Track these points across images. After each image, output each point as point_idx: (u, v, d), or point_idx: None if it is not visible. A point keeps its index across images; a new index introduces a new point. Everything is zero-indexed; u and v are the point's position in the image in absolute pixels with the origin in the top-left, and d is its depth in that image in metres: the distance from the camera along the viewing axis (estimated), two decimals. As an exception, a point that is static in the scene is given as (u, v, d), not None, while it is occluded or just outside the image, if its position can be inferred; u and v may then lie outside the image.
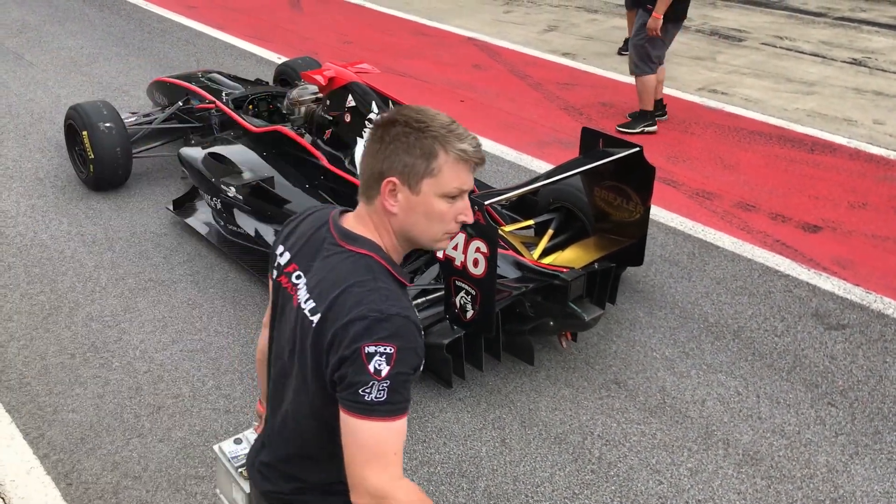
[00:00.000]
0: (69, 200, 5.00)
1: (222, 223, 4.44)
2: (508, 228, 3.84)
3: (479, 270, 3.18)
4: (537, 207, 4.14)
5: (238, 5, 9.31)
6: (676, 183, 5.35)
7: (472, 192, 1.83)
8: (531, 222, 4.02)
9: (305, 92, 4.69)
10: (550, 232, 3.92)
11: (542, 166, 5.56)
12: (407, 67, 7.38)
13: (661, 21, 5.63)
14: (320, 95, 4.58)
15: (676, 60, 7.68)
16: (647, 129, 6.06)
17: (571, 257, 3.72)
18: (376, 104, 4.20)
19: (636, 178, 3.67)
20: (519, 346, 3.64)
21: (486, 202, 3.20)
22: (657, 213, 4.97)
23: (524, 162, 5.63)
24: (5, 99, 6.48)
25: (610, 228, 3.86)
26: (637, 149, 3.62)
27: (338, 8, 9.41)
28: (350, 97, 4.29)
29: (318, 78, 4.47)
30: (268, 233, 4.18)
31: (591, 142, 3.76)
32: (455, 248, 3.25)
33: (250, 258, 4.23)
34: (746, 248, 4.62)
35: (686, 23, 8.55)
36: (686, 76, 7.30)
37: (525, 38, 8.32)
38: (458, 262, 3.27)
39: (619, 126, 6.10)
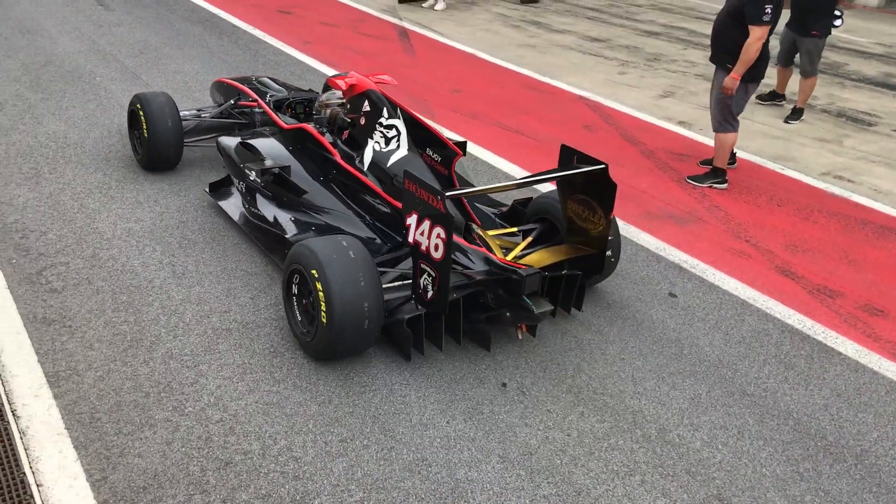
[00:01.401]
0: (165, 228, 4.96)
1: (247, 206, 4.93)
2: (493, 233, 4.31)
3: (438, 254, 3.55)
4: (524, 218, 4.60)
5: (354, 45, 9.36)
6: (795, 275, 4.95)
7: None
8: (515, 229, 4.49)
9: (333, 96, 5.24)
10: (529, 239, 4.34)
11: (650, 241, 5.26)
12: (515, 122, 7.20)
13: (738, 81, 5.71)
14: (344, 100, 5.07)
15: (800, 141, 7.27)
16: (715, 184, 6.12)
17: (536, 259, 4.08)
18: (387, 111, 4.70)
19: (601, 193, 3.96)
20: (479, 333, 4.03)
21: (447, 194, 3.54)
22: (773, 306, 4.60)
23: (631, 234, 5.33)
24: (118, 118, 6.58)
25: (579, 239, 4.17)
26: (602, 166, 3.93)
27: (451, 56, 9.36)
28: (366, 103, 4.80)
29: (341, 83, 4.99)
30: (283, 219, 4.67)
31: (568, 158, 4.09)
32: (422, 233, 3.63)
33: (265, 239, 4.68)
34: (873, 359, 4.19)
35: (812, 101, 8.17)
36: (809, 158, 6.88)
37: (639, 102, 8.04)
38: (423, 247, 3.65)
39: (690, 177, 6.18)
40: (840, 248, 5.35)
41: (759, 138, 7.25)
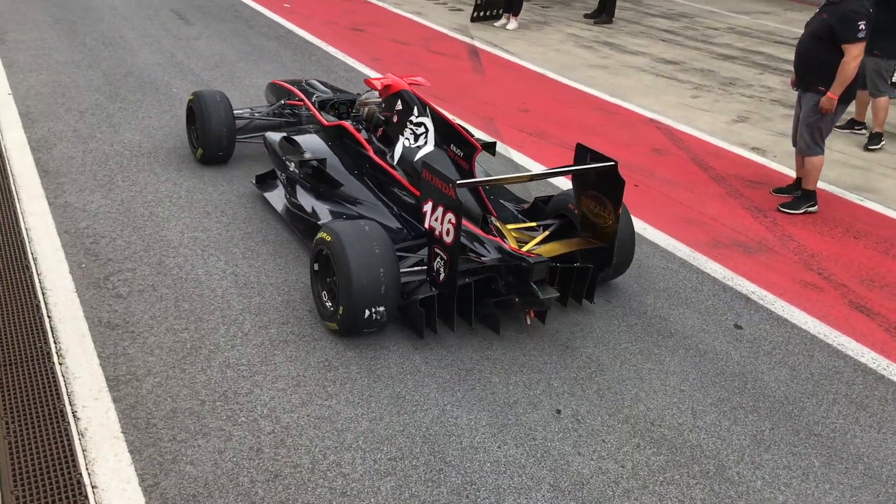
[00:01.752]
0: (230, 238, 5.04)
1: (288, 197, 5.23)
2: (512, 227, 4.52)
3: (449, 238, 3.80)
4: (544, 214, 4.82)
5: (423, 62, 9.43)
6: (870, 312, 4.74)
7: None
8: (534, 224, 4.71)
9: (371, 96, 5.58)
10: (546, 233, 4.55)
11: (717, 269, 5.11)
12: (583, 143, 7.10)
13: (836, 101, 5.63)
14: (380, 99, 5.38)
15: (880, 171, 7.00)
16: (809, 209, 6.01)
17: (547, 249, 4.26)
18: (417, 109, 4.98)
19: (612, 190, 4.14)
20: (490, 318, 4.25)
21: (458, 182, 3.81)
22: (845, 343, 4.41)
23: (698, 262, 5.18)
24: (192, 129, 6.74)
25: (591, 233, 4.37)
26: (612, 163, 4.12)
27: (520, 75, 9.33)
28: (399, 102, 5.11)
29: (377, 84, 5.30)
30: (320, 208, 4.95)
31: (582, 156, 4.29)
32: (436, 219, 3.88)
33: (303, 227, 4.95)
34: (953, 404, 3.97)
35: (888, 126, 7.86)
36: (891, 190, 6.61)
37: (712, 127, 7.87)
38: (437, 232, 3.89)
39: (782, 206, 6.05)
40: (920, 284, 5.10)
41: (838, 167, 7.01)
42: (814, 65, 5.76)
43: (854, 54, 5.55)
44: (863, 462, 3.55)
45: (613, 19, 12.51)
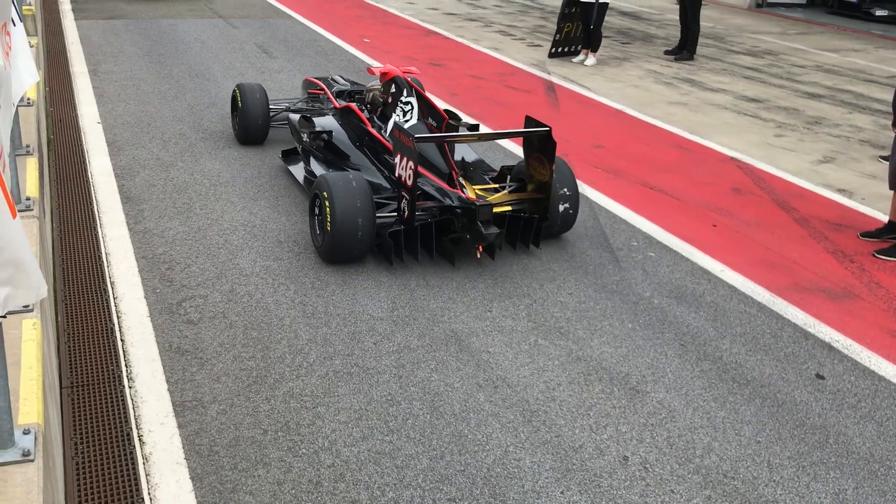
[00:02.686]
0: (301, 268, 5.09)
1: (304, 166, 6.21)
2: (478, 187, 5.48)
3: (409, 182, 4.89)
4: (508, 178, 5.70)
5: (498, 98, 9.44)
6: (967, 366, 4.45)
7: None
8: (497, 185, 5.64)
9: (376, 85, 6.54)
10: (506, 192, 5.46)
11: (797, 315, 4.89)
12: (660, 181, 6.97)
13: None
14: (380, 84, 6.45)
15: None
16: None
17: (495, 199, 5.27)
18: (406, 91, 6.00)
19: (548, 151, 5.14)
20: (447, 251, 5.26)
21: (416, 136, 4.92)
22: (938, 399, 4.14)
23: (777, 307, 4.97)
24: (270, 160, 6.88)
25: (535, 187, 5.34)
26: (547, 129, 5.19)
27: (595, 111, 9.24)
28: (393, 86, 6.17)
29: (377, 71, 6.49)
30: None
31: (531, 125, 5.33)
32: (402, 168, 5.01)
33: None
34: None
35: None
36: None
37: (796, 167, 7.61)
38: (402, 178, 5.02)
39: (878, 252, 5.78)
40: None
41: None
42: None
43: None
44: (956, 529, 3.30)
45: (695, 56, 12.31)
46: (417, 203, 5.05)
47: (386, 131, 5.95)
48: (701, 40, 12.75)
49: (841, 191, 7.07)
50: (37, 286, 2.07)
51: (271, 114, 7.11)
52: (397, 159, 5.14)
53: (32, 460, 2.30)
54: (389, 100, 6.18)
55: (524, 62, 11.43)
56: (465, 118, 7.38)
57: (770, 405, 4.03)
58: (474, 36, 13.10)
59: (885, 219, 6.15)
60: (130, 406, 3.70)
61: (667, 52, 12.56)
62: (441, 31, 13.33)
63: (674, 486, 3.43)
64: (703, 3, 12.22)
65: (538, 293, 4.98)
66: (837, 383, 4.26)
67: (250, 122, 6.97)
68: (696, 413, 3.93)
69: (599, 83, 10.50)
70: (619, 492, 3.37)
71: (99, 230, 5.40)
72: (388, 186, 5.64)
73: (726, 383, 4.18)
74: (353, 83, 7.52)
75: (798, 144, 8.38)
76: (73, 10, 12.86)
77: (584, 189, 6.67)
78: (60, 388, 3.77)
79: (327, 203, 4.93)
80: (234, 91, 7.09)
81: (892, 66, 7.96)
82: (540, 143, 5.20)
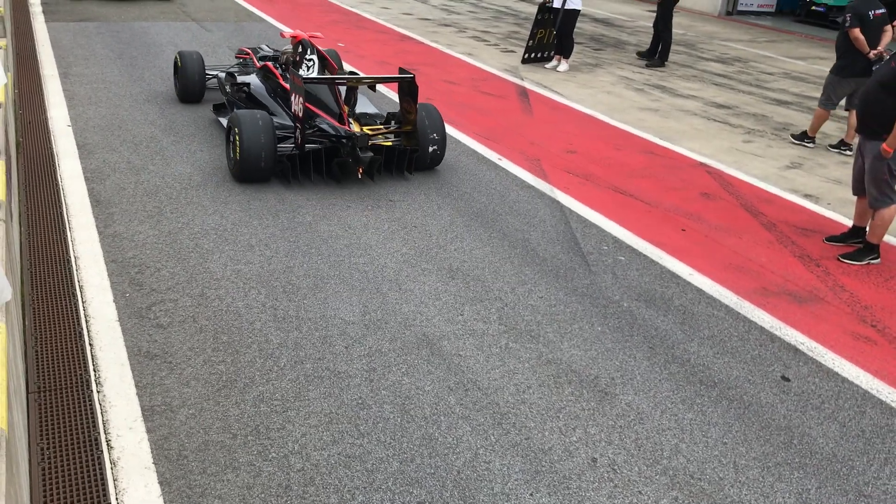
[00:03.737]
0: (272, 272, 5.08)
1: (229, 115, 7.02)
2: (368, 128, 6.91)
3: (301, 114, 6.34)
4: (393, 120, 7.16)
5: (471, 103, 9.48)
6: (927, 367, 4.54)
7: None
8: (383, 127, 7.09)
9: (289, 48, 7.81)
10: (388, 129, 7.01)
11: (764, 318, 4.97)
12: (630, 186, 7.04)
13: (892, 152, 5.57)
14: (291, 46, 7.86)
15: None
16: (872, 261, 5.88)
17: (372, 130, 6.87)
18: (310, 50, 7.46)
19: (413, 94, 6.66)
20: (333, 173, 6.67)
21: (303, 77, 6.59)
22: (900, 400, 4.21)
23: (745, 310, 5.05)
24: (241, 163, 6.85)
25: (406, 123, 6.88)
26: (411, 75, 6.66)
27: (568, 116, 9.31)
28: (300, 47, 7.62)
29: (288, 37, 7.93)
30: None
31: (403, 72, 6.84)
32: (296, 104, 6.43)
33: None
34: None
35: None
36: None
37: (764, 172, 7.73)
38: (295, 111, 6.47)
39: (843, 256, 5.92)
40: (981, 340, 4.88)
41: None
42: (878, 113, 5.63)
43: None
44: (916, 527, 3.37)
45: (666, 63, 12.44)
46: (312, 135, 6.58)
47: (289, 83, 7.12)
48: (672, 47, 12.89)
49: (807, 196, 7.18)
50: (1, 289, 2.06)
51: (207, 77, 8.49)
52: (293, 98, 6.59)
53: (-5, 465, 2.27)
54: (297, 58, 7.59)
55: (497, 68, 11.49)
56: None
57: (737, 407, 4.09)
58: (448, 41, 13.14)
59: (849, 223, 6.26)
60: (98, 411, 3.68)
61: (639, 54, 12.70)
62: (415, 37, 13.36)
63: (641, 488, 3.47)
64: (674, 11, 12.35)
65: (509, 297, 5.01)
66: (802, 385, 4.33)
67: (188, 81, 8.29)
68: (664, 415, 3.98)
69: (572, 89, 10.58)
70: (587, 493, 3.41)
71: (68, 234, 5.35)
72: (290, 124, 6.91)
73: (694, 385, 4.24)
74: (275, 50, 8.67)
75: (766, 150, 8.50)
76: (44, 11, 12.72)
77: (556, 194, 6.73)
78: (27, 392, 3.73)
79: (237, 135, 6.27)
80: (175, 57, 8.51)
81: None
82: (408, 88, 6.67)
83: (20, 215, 5.46)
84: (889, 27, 8.18)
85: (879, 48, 8.05)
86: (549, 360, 4.37)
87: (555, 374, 4.24)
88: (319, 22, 13.59)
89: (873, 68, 7.84)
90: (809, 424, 4.00)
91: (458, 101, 9.47)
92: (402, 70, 6.86)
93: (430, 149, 6.91)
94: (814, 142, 8.74)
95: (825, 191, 7.34)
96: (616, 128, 8.95)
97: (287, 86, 7.14)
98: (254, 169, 6.31)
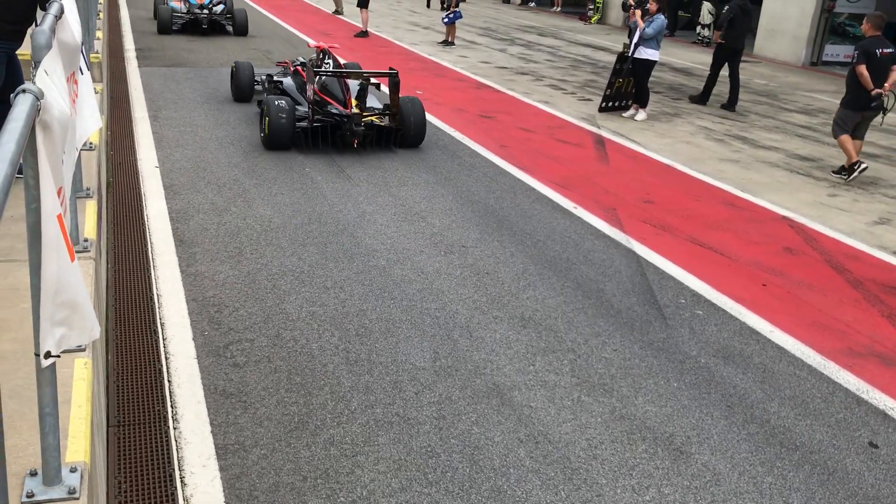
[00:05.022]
0: (346, 315, 5.13)
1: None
2: (366, 113, 8.85)
3: (310, 98, 8.63)
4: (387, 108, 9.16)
5: (547, 150, 9.49)
6: None
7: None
8: (378, 112, 9.07)
9: (314, 54, 10.03)
10: (377, 113, 9.02)
11: (850, 380, 4.76)
12: (710, 239, 6.91)
13: None
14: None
15: None
16: None
17: (366, 113, 8.84)
18: (328, 57, 9.61)
19: (396, 87, 8.87)
20: (337, 144, 8.80)
21: (314, 70, 8.86)
22: None
23: (829, 371, 4.85)
24: (319, 207, 7.00)
25: (393, 108, 9.00)
26: (394, 72, 8.92)
27: (645, 166, 9.23)
28: (322, 54, 9.70)
29: (313, 46, 10.47)
30: None
31: (392, 70, 9.01)
32: (310, 90, 8.67)
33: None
34: None
35: None
36: None
37: (850, 228, 7.48)
38: (309, 96, 8.74)
39: None
40: None
41: None
42: None
43: None
44: None
45: (736, 109, 12.29)
46: (321, 116, 8.68)
47: (314, 82, 8.79)
48: (754, 98, 12.72)
49: (897, 253, 6.92)
50: (90, 328, 2.13)
51: (255, 79, 10.73)
52: (308, 86, 8.86)
53: (77, 498, 2.33)
54: (318, 62, 9.57)
55: (574, 115, 11.50)
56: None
57: (820, 472, 3.91)
58: (525, 89, 13.24)
59: (943, 283, 6.00)
60: (174, 447, 3.75)
61: (691, 99, 12.94)
62: (492, 84, 13.51)
63: (718, 554, 3.33)
64: (756, 60, 12.22)
65: (582, 348, 4.94)
66: (892, 453, 4.12)
67: (241, 83, 10.57)
68: (741, 477, 3.83)
69: (649, 138, 10.50)
70: (660, 557, 3.29)
71: (152, 272, 5.53)
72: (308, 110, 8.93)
73: (774, 447, 4.08)
74: (308, 59, 10.56)
75: (853, 205, 8.24)
76: (138, 57, 13.36)
77: (632, 244, 6.64)
78: (107, 426, 3.83)
79: (266, 114, 8.49)
80: (232, 66, 11.03)
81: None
82: (393, 83, 8.82)
83: (107, 252, 5.68)
84: None
85: (887, 85, 8.67)
86: (623, 415, 4.27)
87: (628, 430, 4.14)
88: (400, 69, 13.87)
89: (872, 105, 8.79)
90: (900, 495, 3.79)
91: (534, 148, 9.50)
92: (390, 68, 9.08)
93: (413, 133, 8.99)
94: (859, 165, 8.92)
95: (916, 248, 7.06)
96: (695, 178, 8.82)
97: (307, 81, 9.18)
98: (278, 139, 8.45)
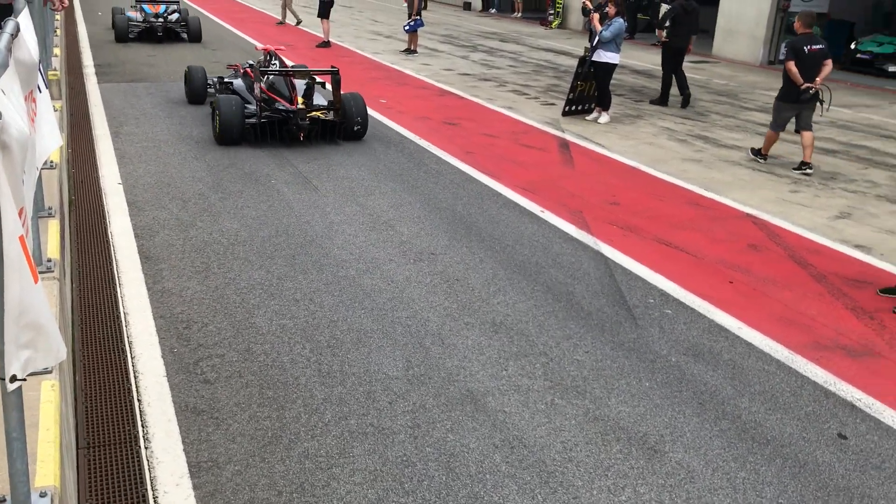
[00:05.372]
0: (316, 326, 5.10)
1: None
2: (313, 109, 9.48)
3: (258, 96, 9.46)
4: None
5: (512, 156, 9.53)
6: None
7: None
8: (324, 108, 9.64)
9: (262, 56, 11.15)
10: (322, 108, 9.62)
11: (817, 373, 4.84)
12: (675, 238, 6.98)
13: None
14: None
15: None
16: None
17: (311, 109, 9.43)
18: (274, 57, 10.67)
19: (338, 83, 9.49)
20: (284, 138, 9.45)
21: (261, 70, 9.85)
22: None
23: (797, 365, 4.93)
24: (286, 218, 6.96)
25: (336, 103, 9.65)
26: (335, 69, 9.49)
27: (609, 168, 9.31)
28: (268, 55, 10.78)
29: (261, 48, 11.64)
30: None
31: (333, 69, 9.56)
32: (258, 88, 9.48)
33: None
34: None
35: None
36: None
37: (812, 223, 7.61)
38: (257, 94, 9.49)
39: (881, 290, 6.01)
40: None
41: (950, 267, 6.62)
42: None
43: None
44: None
45: (688, 107, 12.44)
46: (269, 113, 9.34)
47: (261, 81, 9.58)
48: (715, 97, 12.89)
49: (858, 246, 7.04)
50: (56, 349, 2.09)
51: (208, 81, 11.22)
52: (255, 84, 9.52)
53: (47, 524, 2.29)
54: (265, 63, 10.48)
55: (538, 120, 11.57)
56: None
57: (791, 465, 3.97)
58: (488, 95, 13.30)
59: (903, 274, 6.12)
60: (146, 467, 3.70)
61: (652, 102, 13.18)
62: (455, 91, 13.55)
63: (695, 550, 3.36)
64: (716, 60, 12.40)
65: (554, 351, 4.96)
66: (861, 443, 4.19)
67: (194, 86, 11.10)
68: (715, 473, 3.87)
69: (613, 140, 10.60)
70: (638, 556, 3.31)
71: (118, 290, 5.46)
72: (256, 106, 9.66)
73: (746, 443, 4.13)
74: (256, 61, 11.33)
75: (814, 200, 8.38)
76: (97, 73, 13.20)
77: (600, 246, 6.69)
78: (77, 448, 3.77)
79: (217, 113, 9.13)
80: (185, 70, 11.53)
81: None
82: (335, 80, 9.39)
83: (72, 272, 5.59)
84: (828, 62, 9.26)
85: (818, 80, 9.16)
86: (597, 416, 4.30)
87: (602, 431, 4.17)
88: (361, 79, 13.88)
89: (800, 98, 9.20)
90: (870, 485, 3.85)
91: (499, 153, 9.54)
92: (332, 67, 9.69)
93: (356, 127, 9.68)
94: (766, 159, 9.81)
95: (877, 241, 7.19)
96: (659, 179, 8.91)
97: (255, 81, 9.83)
98: (228, 135, 9.11)
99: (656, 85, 13.78)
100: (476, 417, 4.23)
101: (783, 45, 9.70)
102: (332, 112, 9.59)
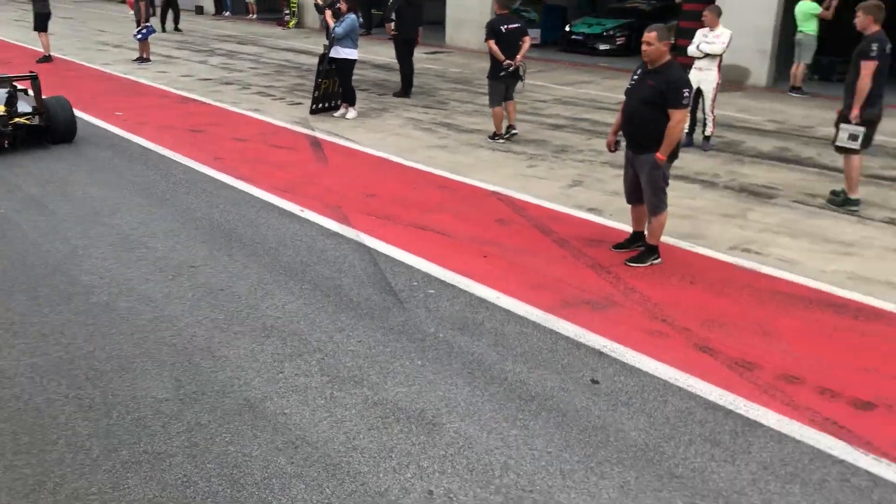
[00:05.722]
0: (71, 360, 4.77)
1: None
2: (6, 114, 9.18)
3: None
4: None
5: (265, 157, 9.41)
6: (713, 351, 5.02)
7: None
8: (23, 113, 9.50)
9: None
10: (26, 114, 9.51)
11: (569, 328, 5.29)
12: (430, 221, 7.27)
13: (665, 160, 6.13)
14: None
15: (706, 218, 7.52)
16: (654, 262, 6.43)
17: (18, 117, 9.26)
18: None
19: (36, 83, 9.58)
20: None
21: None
22: (694, 384, 4.63)
23: (550, 323, 5.35)
24: (20, 247, 6.41)
25: (40, 110, 9.79)
26: (34, 74, 9.65)
27: (362, 161, 9.48)
28: None
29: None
30: None
31: (32, 72, 9.77)
32: None
33: None
34: (794, 428, 4.23)
35: (713, 178, 8.53)
36: (717, 234, 7.11)
37: (550, 193, 8.24)
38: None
39: (629, 260, 6.43)
40: (754, 320, 5.46)
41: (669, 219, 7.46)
42: (646, 128, 6.08)
43: (678, 118, 5.98)
44: (722, 496, 3.70)
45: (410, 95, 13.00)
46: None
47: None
48: (452, 86, 13.51)
49: (591, 210, 7.74)
50: None
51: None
52: None
53: None
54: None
55: (286, 120, 11.50)
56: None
57: (555, 416, 4.32)
58: (233, 99, 12.99)
59: (629, 230, 6.81)
60: None
61: (395, 94, 13.53)
62: (198, 97, 13.09)
63: (479, 510, 3.57)
64: (449, 50, 12.98)
65: (328, 346, 5.00)
66: (610, 385, 4.64)
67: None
68: (490, 436, 4.12)
69: (362, 134, 10.79)
70: (428, 526, 3.46)
71: None
72: None
73: (514, 402, 4.43)
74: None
75: (549, 172, 9.08)
76: None
77: (362, 238, 6.82)
78: None
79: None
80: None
81: (620, 94, 9.04)
82: (34, 85, 9.42)
83: None
84: (526, 38, 10.10)
85: (518, 57, 9.99)
86: (376, 402, 4.41)
87: (382, 415, 4.28)
88: (94, 92, 13.00)
89: (500, 74, 10.00)
90: (621, 420, 4.29)
91: (251, 157, 9.38)
92: (31, 71, 9.94)
93: (62, 128, 9.67)
94: (504, 138, 10.53)
95: (605, 203, 7.94)
96: (410, 167, 9.21)
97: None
98: None
99: (397, 78, 14.17)
100: (256, 425, 4.18)
101: (485, 26, 10.38)
102: (37, 117, 9.57)
